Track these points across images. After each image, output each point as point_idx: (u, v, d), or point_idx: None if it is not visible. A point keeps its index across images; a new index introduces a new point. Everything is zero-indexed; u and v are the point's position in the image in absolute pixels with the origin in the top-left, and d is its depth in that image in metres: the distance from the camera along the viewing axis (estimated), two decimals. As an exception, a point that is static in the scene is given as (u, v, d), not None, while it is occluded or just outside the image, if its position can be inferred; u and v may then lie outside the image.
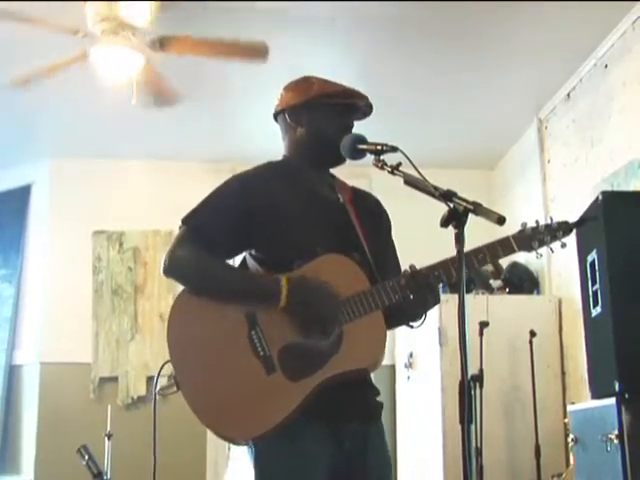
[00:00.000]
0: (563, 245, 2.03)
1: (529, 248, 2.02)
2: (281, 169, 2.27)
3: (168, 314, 2.12)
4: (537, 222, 2.04)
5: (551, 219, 2.05)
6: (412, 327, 2.17)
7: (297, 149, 2.28)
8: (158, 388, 2.16)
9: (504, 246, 2.02)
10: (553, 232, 2.02)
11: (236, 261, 2.31)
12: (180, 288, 2.17)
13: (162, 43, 3.86)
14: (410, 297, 2.03)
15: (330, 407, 2.01)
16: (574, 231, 2.06)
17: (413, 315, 2.14)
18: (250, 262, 2.22)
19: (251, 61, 3.96)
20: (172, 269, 2.14)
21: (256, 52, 3.88)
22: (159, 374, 2.16)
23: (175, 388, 2.04)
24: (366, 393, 2.18)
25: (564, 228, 2.03)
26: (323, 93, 2.23)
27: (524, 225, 2.03)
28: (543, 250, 2.03)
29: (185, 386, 2.03)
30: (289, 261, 2.10)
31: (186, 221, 2.18)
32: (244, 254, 2.25)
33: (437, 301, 2.09)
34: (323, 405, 1.99)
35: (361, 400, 2.13)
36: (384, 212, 2.38)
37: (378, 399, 2.21)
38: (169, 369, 2.08)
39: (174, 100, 4.37)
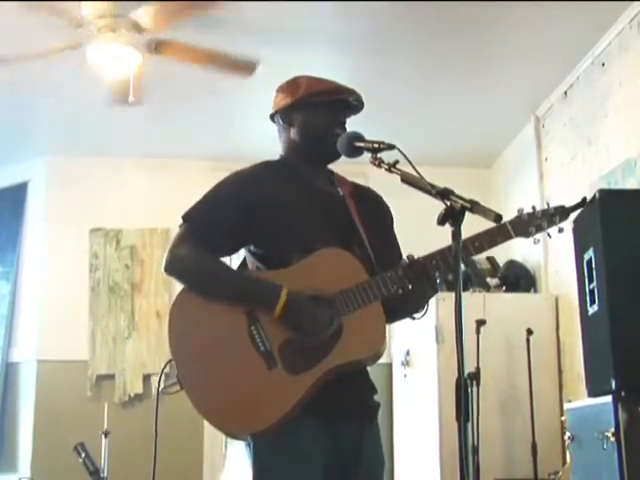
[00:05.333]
0: (560, 230, 2.02)
1: (526, 234, 2.02)
2: (279, 166, 2.28)
3: (169, 312, 2.13)
4: (533, 207, 2.04)
5: (547, 204, 2.05)
6: (414, 318, 2.16)
7: (292, 148, 2.29)
8: (161, 387, 2.15)
9: (501, 232, 2.02)
10: (550, 217, 2.02)
11: (237, 258, 2.31)
12: (178, 286, 2.17)
13: (157, 46, 3.87)
14: (409, 287, 2.03)
15: (328, 406, 2.01)
16: (570, 218, 2.05)
17: (414, 306, 2.13)
18: (249, 259, 2.23)
19: (238, 75, 3.99)
20: (173, 267, 2.14)
21: (244, 68, 3.92)
22: (162, 373, 2.16)
23: (178, 387, 2.04)
24: (364, 391, 2.18)
25: (561, 212, 2.02)
26: (310, 93, 2.23)
27: (520, 211, 2.03)
28: (541, 236, 2.03)
29: (187, 383, 2.04)
30: (288, 256, 2.10)
31: (186, 218, 2.19)
32: (243, 252, 2.26)
33: (435, 290, 2.09)
34: (321, 403, 1.99)
35: (359, 399, 2.14)
36: (386, 207, 2.38)
37: (376, 398, 2.21)
38: (170, 368, 2.09)
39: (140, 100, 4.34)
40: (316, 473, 2.03)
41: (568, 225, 2.11)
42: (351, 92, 2.26)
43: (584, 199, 2.09)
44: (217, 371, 2.04)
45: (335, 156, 2.25)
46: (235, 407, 2.01)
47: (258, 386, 2.00)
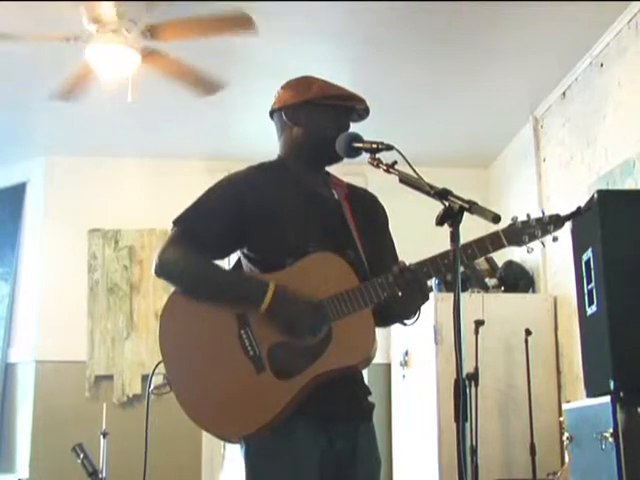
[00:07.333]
0: (555, 239, 2.00)
1: (519, 242, 2.00)
2: (274, 169, 2.27)
3: (160, 314, 2.14)
4: (528, 216, 2.01)
5: (542, 212, 2.02)
6: (406, 325, 2.16)
7: (293, 148, 2.27)
8: (152, 387, 2.16)
9: (494, 241, 2.00)
10: (544, 226, 1.99)
11: (230, 261, 2.31)
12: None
13: (152, 32, 3.83)
14: (398, 294, 2.02)
15: (321, 406, 2.01)
16: (566, 224, 2.03)
17: (405, 312, 2.12)
18: (243, 262, 2.22)
19: (241, 33, 3.87)
20: (162, 270, 2.15)
21: (242, 23, 3.80)
22: (153, 374, 2.17)
23: (168, 388, 2.05)
24: (357, 393, 2.18)
25: (555, 221, 1.99)
26: (323, 94, 2.22)
27: (514, 219, 2.00)
28: (535, 244, 2.01)
29: (177, 385, 2.04)
30: (281, 260, 2.10)
31: (177, 222, 2.19)
32: (238, 254, 2.25)
33: (426, 298, 2.07)
34: (314, 404, 1.99)
35: (352, 400, 2.13)
36: (381, 208, 2.37)
37: (370, 399, 2.21)
38: (163, 368, 2.09)
39: (216, 88, 4.32)
40: (310, 474, 2.02)
41: (565, 229, 2.09)
42: (362, 101, 2.25)
43: (579, 208, 2.06)
44: (205, 373, 2.04)
45: (335, 160, 2.24)
46: (223, 410, 2.02)
47: (246, 390, 2.00)
